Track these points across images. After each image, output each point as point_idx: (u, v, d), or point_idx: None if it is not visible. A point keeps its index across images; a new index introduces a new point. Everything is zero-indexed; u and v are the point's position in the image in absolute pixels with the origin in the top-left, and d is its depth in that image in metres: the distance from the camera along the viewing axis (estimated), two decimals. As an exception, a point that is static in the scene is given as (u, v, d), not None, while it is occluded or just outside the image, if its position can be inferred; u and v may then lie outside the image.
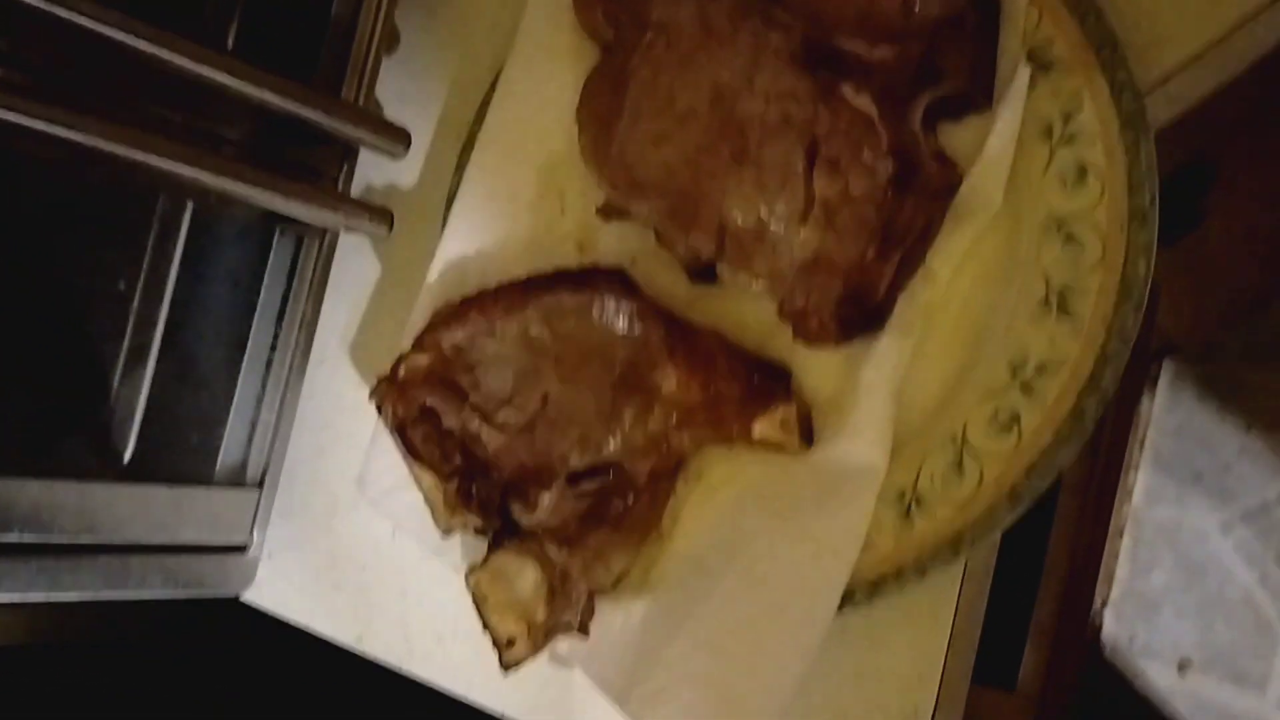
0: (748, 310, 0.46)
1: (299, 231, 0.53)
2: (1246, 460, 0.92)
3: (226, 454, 0.53)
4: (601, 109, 0.48)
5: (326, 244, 0.53)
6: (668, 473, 0.46)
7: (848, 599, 0.41)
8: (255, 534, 0.55)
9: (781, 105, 0.44)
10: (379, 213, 0.51)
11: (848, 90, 0.42)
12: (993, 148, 0.41)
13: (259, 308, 0.53)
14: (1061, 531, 0.49)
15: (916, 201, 0.42)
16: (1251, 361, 0.91)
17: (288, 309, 0.54)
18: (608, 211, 0.48)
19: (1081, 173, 0.40)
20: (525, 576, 0.45)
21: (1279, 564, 0.88)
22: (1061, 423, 0.39)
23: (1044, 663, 0.48)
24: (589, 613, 0.45)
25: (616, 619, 0.45)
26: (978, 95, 0.42)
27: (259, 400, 0.54)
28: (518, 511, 0.46)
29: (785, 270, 0.44)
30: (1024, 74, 0.40)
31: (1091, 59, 0.40)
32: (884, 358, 0.42)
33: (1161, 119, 0.42)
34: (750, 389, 0.44)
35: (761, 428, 0.43)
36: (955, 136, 0.43)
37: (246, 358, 0.53)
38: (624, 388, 0.46)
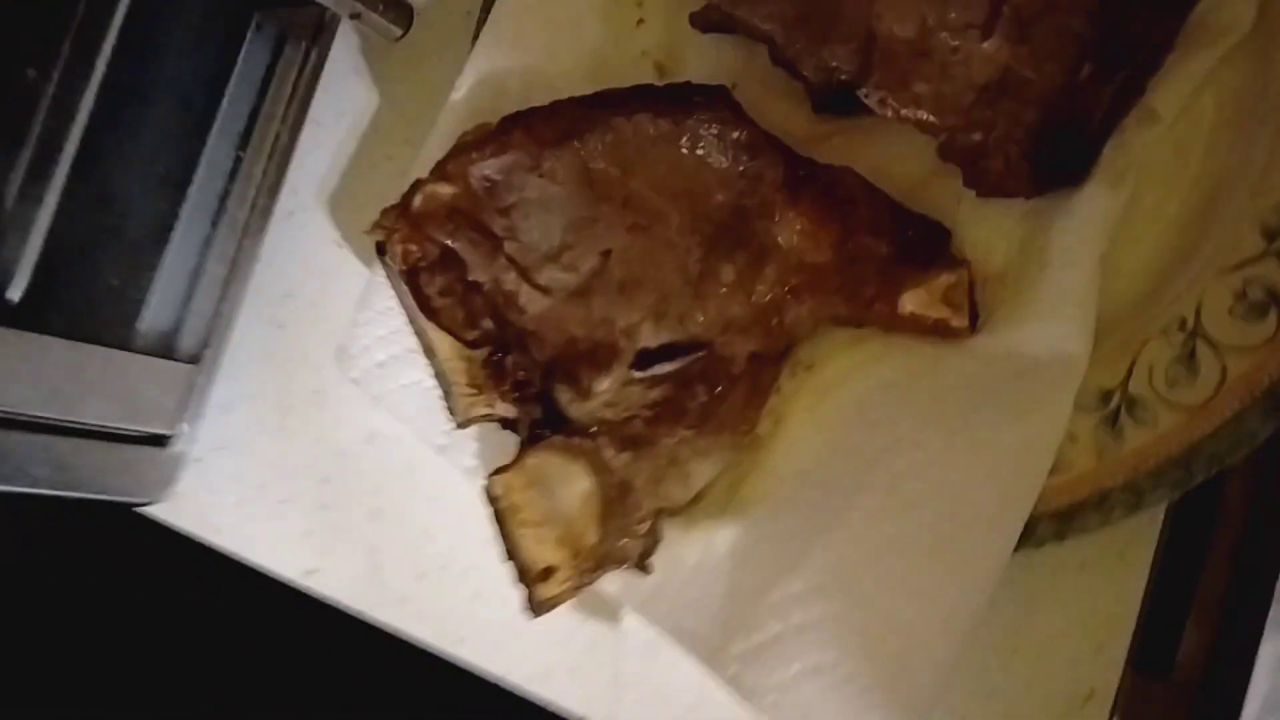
0: (896, 152, 0.35)
1: (283, 24, 0.40)
2: None
3: (153, 313, 0.40)
4: (710, -120, 0.36)
5: (319, 47, 0.40)
6: (773, 358, 0.34)
7: (1028, 534, 0.30)
8: (183, 425, 0.41)
9: (965, -121, 0.33)
10: (395, 6, 0.38)
11: None
12: (1254, -54, 0.31)
13: (217, 124, 0.40)
14: (1240, 476, 0.38)
15: (1146, 11, 0.31)
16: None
17: (255, 130, 0.41)
18: (706, 19, 0.36)
19: (1376, -19, 0.30)
20: (572, 486, 0.33)
21: None
22: (1344, 304, 0.29)
23: (1208, 648, 0.38)
24: (653, 540, 0.33)
25: (692, 550, 0.33)
26: (1240, -126, 0.32)
27: (204, 248, 0.41)
28: (566, 399, 0.34)
29: (958, 94, 0.33)
30: None
31: None
32: (1087, 215, 0.31)
33: None
34: (901, 248, 0.33)
35: (915, 300, 0.32)
36: (1201, -70, 0.32)
37: (193, 189, 0.40)
38: (723, 241, 0.34)
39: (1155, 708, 0.39)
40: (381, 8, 0.37)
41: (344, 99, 0.43)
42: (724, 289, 0.34)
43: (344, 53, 0.42)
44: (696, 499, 0.34)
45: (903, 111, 0.34)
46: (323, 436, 0.41)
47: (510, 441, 0.35)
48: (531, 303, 0.35)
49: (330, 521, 0.41)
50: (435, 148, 0.37)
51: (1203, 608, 0.40)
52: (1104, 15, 0.32)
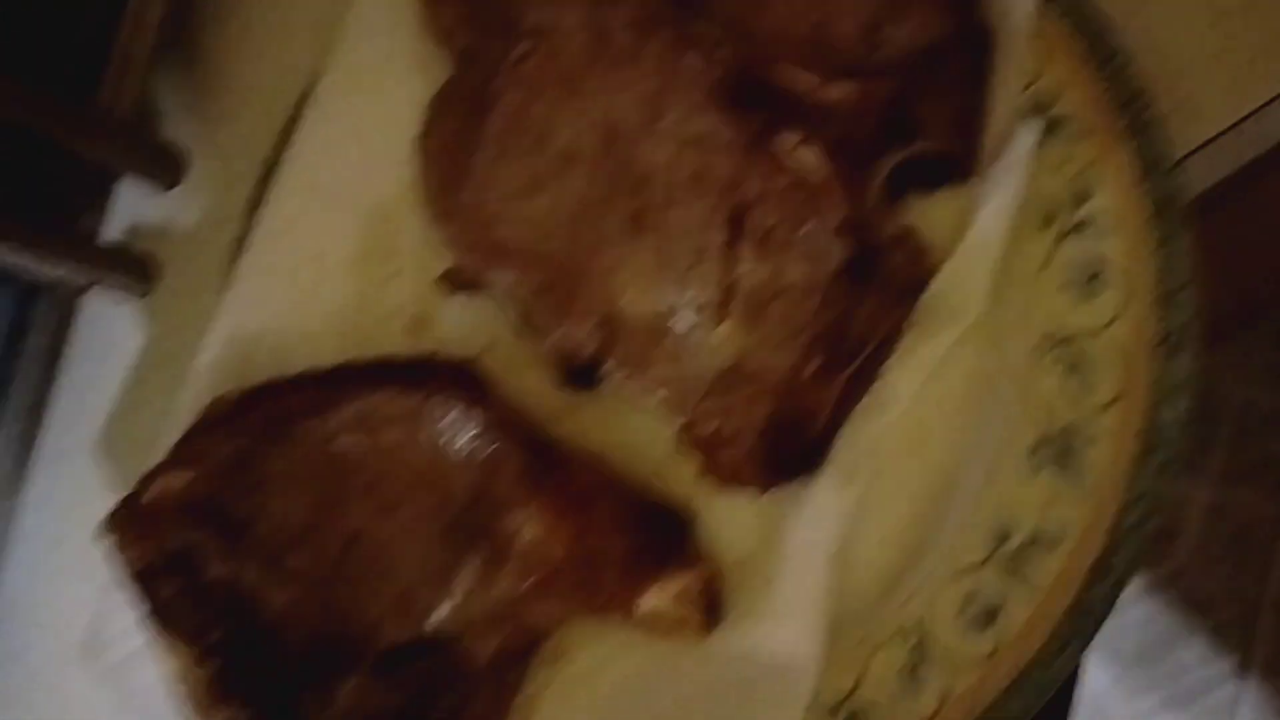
0: (639, 429, 0.34)
1: (27, 281, 0.38)
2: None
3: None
4: (452, 141, 0.35)
5: (64, 301, 0.39)
6: (518, 654, 0.33)
7: None
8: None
9: (697, 154, 0.32)
10: (137, 264, 0.37)
11: (789, 140, 0.31)
12: (977, 234, 0.30)
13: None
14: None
15: (874, 302, 0.31)
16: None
17: (13, 386, 0.39)
18: (454, 281, 0.35)
19: (1094, 276, 0.30)
20: (312, 804, 0.32)
21: (1132, 664, 0.81)
22: (1059, 621, 0.28)
23: None
24: None
25: None
26: (961, 160, 0.31)
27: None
28: (306, 707, 0.33)
29: (693, 381, 0.32)
30: (1026, 136, 0.30)
31: (1114, 121, 0.30)
32: (819, 511, 0.31)
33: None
34: (639, 545, 0.32)
35: (651, 600, 0.31)
36: (927, 214, 0.32)
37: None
38: (464, 532, 0.33)
39: None
40: (122, 272, 0.36)
41: (109, 334, 0.41)
42: (465, 583, 0.33)
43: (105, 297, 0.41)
44: (443, 806, 0.33)
45: (641, 395, 0.33)
46: (94, 700, 0.40)
47: (258, 744, 0.33)
48: (273, 596, 0.34)
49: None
50: (179, 420, 0.36)
51: None
52: (833, 304, 0.31)
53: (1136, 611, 0.72)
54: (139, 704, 0.35)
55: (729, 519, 0.32)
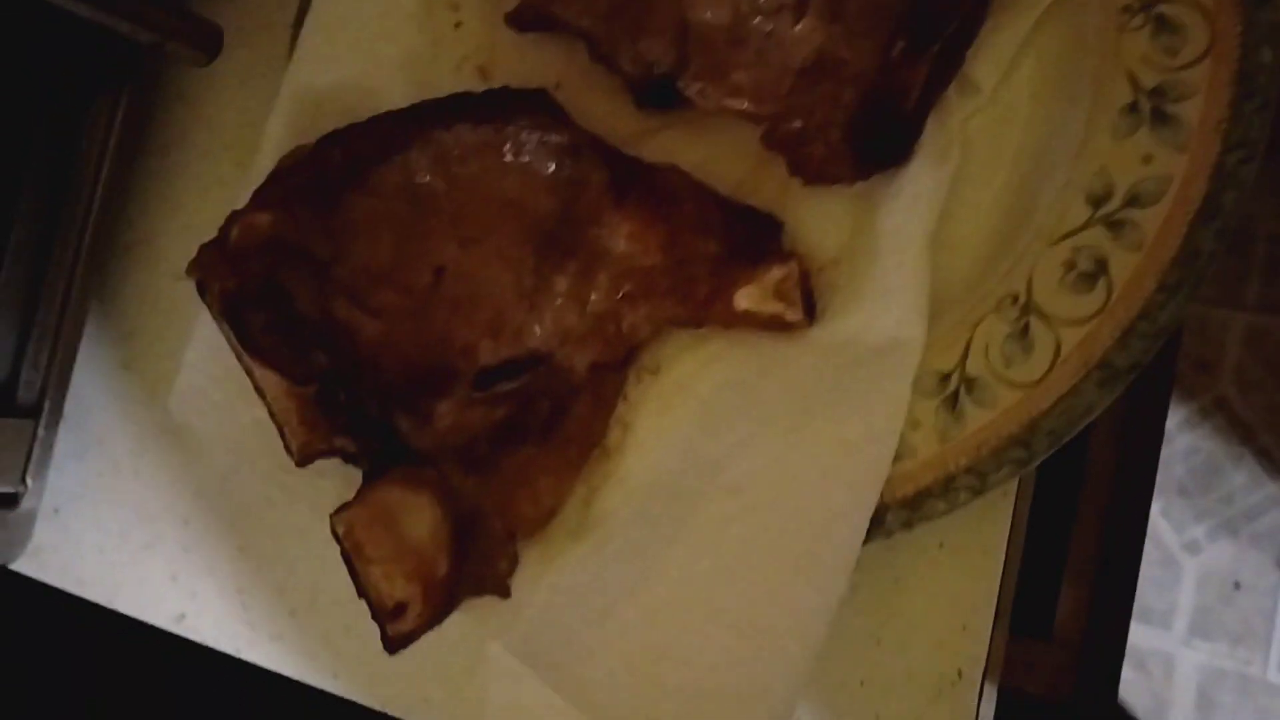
0: (721, 144, 0.34)
1: (88, 64, 0.38)
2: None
3: (-17, 369, 0.38)
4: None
5: (130, 83, 0.38)
6: (615, 366, 0.33)
7: (876, 526, 0.30)
8: (30, 480, 0.39)
9: None
10: (201, 30, 0.36)
11: None
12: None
13: (31, 173, 0.38)
14: (1104, 437, 0.39)
15: (956, -21, 0.31)
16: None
17: (75, 172, 0.39)
18: (522, 18, 0.35)
19: (1178, -67, 0.30)
20: (419, 517, 0.32)
21: (1180, 495, 0.82)
22: (1168, 266, 0.29)
23: (1085, 605, 0.38)
24: (510, 564, 0.32)
25: (546, 573, 0.32)
26: None
27: (33, 292, 0.39)
28: (407, 428, 0.33)
29: (775, 80, 0.32)
30: None
31: None
32: (914, 195, 0.31)
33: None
34: (731, 244, 0.32)
35: (748, 297, 0.31)
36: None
37: (15, 230, 0.38)
38: (553, 250, 0.33)
39: (1039, 669, 0.40)
40: (185, 37, 0.35)
41: (173, 125, 0.41)
42: (558, 300, 0.33)
43: (170, 79, 0.40)
44: (549, 518, 0.33)
45: (722, 102, 0.33)
46: (178, 477, 0.40)
47: (357, 476, 0.34)
48: (364, 329, 0.34)
49: (195, 564, 0.40)
50: (259, 173, 0.36)
51: (1075, 568, 0.40)
52: (914, -13, 0.31)
53: (1182, 441, 0.73)
54: (233, 447, 0.35)
55: (821, 217, 0.32)
